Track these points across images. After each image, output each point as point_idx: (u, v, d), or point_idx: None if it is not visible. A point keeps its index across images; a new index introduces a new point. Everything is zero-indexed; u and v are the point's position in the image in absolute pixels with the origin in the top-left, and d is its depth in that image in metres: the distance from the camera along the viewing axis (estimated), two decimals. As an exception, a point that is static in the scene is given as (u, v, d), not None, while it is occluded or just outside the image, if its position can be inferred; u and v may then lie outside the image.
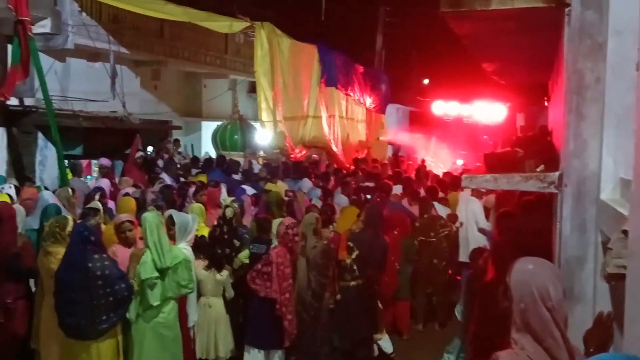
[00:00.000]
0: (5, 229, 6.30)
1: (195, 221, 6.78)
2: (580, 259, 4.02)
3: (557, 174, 4.38)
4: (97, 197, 8.48)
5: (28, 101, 11.71)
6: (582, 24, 4.03)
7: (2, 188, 8.53)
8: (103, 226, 7.21)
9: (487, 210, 10.06)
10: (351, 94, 19.15)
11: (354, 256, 7.18)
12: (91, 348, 5.49)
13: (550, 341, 2.54)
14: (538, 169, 5.58)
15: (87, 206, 7.78)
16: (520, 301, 2.60)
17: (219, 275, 6.95)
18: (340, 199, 10.17)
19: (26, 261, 6.29)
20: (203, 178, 10.70)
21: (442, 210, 10.16)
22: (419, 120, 25.67)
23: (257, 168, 13.32)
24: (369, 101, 20.59)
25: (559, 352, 2.54)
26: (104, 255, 5.60)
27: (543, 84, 12.63)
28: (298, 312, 6.82)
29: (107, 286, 5.42)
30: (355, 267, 7.18)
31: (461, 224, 9.34)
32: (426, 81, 30.86)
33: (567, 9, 4.57)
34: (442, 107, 22.92)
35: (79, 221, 6.41)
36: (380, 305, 7.88)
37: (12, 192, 8.35)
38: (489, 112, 21.52)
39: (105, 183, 9.80)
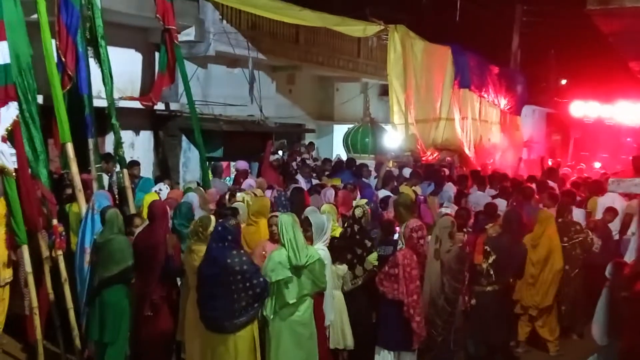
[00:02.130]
0: (158, 226, 6.68)
1: (329, 221, 6.86)
2: None
3: None
4: (226, 197, 8.83)
5: (173, 106, 12.22)
6: None
7: (160, 190, 9.10)
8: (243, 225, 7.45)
9: (629, 217, 9.53)
10: (485, 95, 18.66)
11: (490, 261, 7.04)
12: (229, 342, 5.73)
13: None
14: (692, 174, 5.24)
15: (227, 206, 8.13)
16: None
17: (340, 269, 7.02)
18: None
19: (176, 260, 6.65)
20: (337, 181, 10.81)
21: (580, 216, 9.73)
22: (557, 122, 24.79)
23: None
24: (503, 102, 20.00)
25: None
26: (242, 252, 5.87)
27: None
28: (430, 316, 6.77)
29: (245, 280, 5.67)
30: (491, 272, 7.04)
31: (632, 233, 8.87)
32: (564, 82, 29.69)
33: None
34: (581, 108, 22.03)
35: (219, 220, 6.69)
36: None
37: (164, 192, 8.84)
38: (633, 112, 20.45)
39: (247, 185, 10.17)
